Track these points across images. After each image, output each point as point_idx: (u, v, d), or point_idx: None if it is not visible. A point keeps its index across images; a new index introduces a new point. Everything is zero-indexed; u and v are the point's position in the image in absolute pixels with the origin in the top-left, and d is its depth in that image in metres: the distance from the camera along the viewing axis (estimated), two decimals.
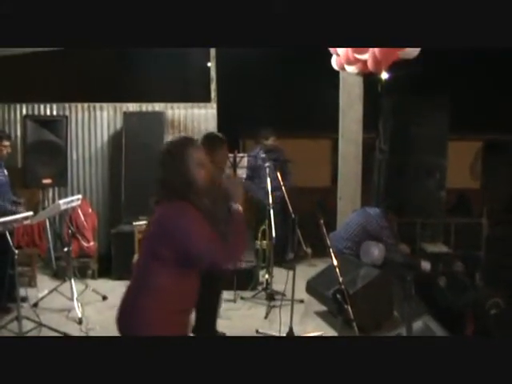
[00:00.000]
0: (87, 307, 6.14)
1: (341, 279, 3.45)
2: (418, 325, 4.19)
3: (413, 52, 4.86)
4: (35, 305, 6.13)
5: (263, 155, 7.67)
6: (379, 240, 6.11)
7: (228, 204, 2.63)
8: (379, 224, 6.32)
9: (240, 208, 2.62)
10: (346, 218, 7.06)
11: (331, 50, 5.92)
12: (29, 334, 5.17)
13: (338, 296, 3.39)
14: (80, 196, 6.64)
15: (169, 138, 7.37)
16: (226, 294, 6.34)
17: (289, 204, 5.54)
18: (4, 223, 4.96)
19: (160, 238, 2.65)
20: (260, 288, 6.80)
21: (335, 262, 3.52)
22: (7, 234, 5.03)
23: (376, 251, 2.24)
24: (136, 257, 6.60)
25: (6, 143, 6.13)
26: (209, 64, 8.25)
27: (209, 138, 4.83)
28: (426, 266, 2.31)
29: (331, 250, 3.52)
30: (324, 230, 3.66)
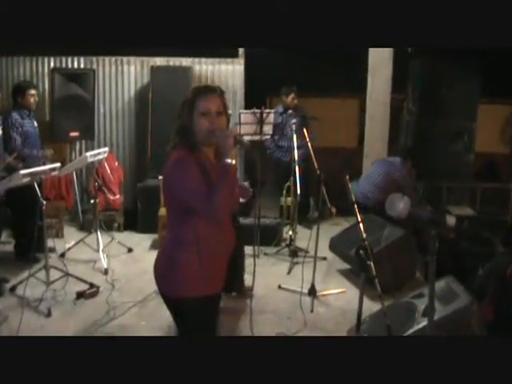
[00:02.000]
0: (113, 259, 6.25)
1: (364, 235, 3.44)
2: (440, 285, 4.19)
3: None
4: (62, 255, 6.26)
5: (282, 111, 7.66)
6: (403, 188, 6.24)
7: (222, 159, 2.58)
8: (401, 172, 6.46)
9: (233, 162, 2.56)
10: None
11: None
12: (56, 284, 5.30)
13: (361, 252, 3.38)
14: (107, 149, 6.67)
15: None
16: (250, 250, 6.39)
17: (314, 161, 5.50)
18: (32, 174, 5.02)
19: (164, 187, 2.74)
20: (283, 244, 6.85)
21: (359, 218, 3.52)
22: (35, 185, 5.09)
23: (401, 204, 2.22)
24: (162, 210, 6.67)
25: (33, 92, 6.16)
26: None
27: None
28: (450, 221, 2.28)
29: (355, 207, 3.52)
30: (350, 185, 3.65)
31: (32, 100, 6.13)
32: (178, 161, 2.61)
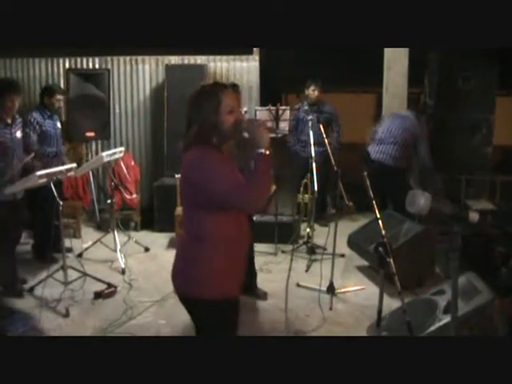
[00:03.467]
0: (130, 258, 6.26)
1: (383, 232, 3.39)
2: (461, 281, 4.12)
3: None
4: (80, 255, 6.26)
5: (306, 107, 7.62)
6: (418, 138, 6.58)
7: (254, 151, 2.52)
8: (415, 125, 6.66)
9: (267, 152, 2.50)
10: None
11: None
12: (73, 284, 5.31)
13: (381, 249, 3.34)
14: (123, 148, 6.69)
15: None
16: (267, 247, 6.36)
17: (332, 158, 5.45)
18: (48, 175, 5.02)
19: (189, 183, 2.62)
20: (301, 241, 6.80)
21: (378, 215, 3.47)
22: (52, 186, 5.09)
23: (422, 200, 2.17)
24: (178, 209, 6.65)
25: (59, 97, 6.23)
26: None
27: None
28: (474, 216, 2.21)
29: (374, 203, 3.47)
30: (368, 182, 3.60)
31: (57, 104, 6.21)
32: (205, 156, 2.56)
